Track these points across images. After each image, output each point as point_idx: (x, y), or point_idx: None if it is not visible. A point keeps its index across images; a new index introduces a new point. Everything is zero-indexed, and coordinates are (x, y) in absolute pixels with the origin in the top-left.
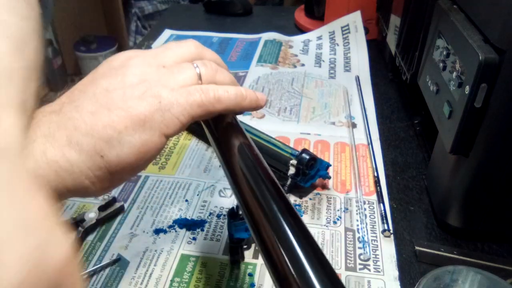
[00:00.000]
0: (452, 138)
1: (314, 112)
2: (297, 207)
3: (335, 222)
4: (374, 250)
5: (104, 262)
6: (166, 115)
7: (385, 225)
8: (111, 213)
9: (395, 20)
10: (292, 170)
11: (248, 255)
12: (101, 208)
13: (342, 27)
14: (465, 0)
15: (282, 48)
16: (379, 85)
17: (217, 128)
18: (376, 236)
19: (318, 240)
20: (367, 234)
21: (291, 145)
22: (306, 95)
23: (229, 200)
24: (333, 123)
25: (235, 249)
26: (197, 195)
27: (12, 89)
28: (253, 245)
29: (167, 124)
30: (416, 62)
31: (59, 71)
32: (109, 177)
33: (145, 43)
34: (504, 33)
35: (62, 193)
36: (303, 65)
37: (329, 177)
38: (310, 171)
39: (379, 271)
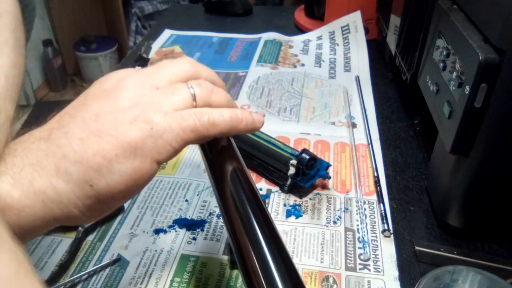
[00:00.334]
0: (452, 138)
1: (314, 112)
2: (297, 207)
3: (335, 222)
4: (374, 250)
5: (104, 262)
6: (158, 141)
7: (385, 225)
8: (111, 213)
9: (395, 20)
10: (292, 170)
11: None
12: None
13: (342, 27)
14: (465, 0)
15: (282, 48)
16: (379, 85)
17: (211, 150)
18: (376, 236)
19: (318, 240)
20: (367, 234)
21: (291, 145)
22: (306, 95)
23: None
24: (333, 123)
25: None
26: (197, 195)
27: None
28: None
29: (159, 150)
30: (416, 62)
31: (59, 71)
32: (98, 205)
33: (145, 43)
34: (504, 33)
35: (50, 222)
36: (303, 65)
37: (329, 177)
38: (310, 171)
39: (379, 271)
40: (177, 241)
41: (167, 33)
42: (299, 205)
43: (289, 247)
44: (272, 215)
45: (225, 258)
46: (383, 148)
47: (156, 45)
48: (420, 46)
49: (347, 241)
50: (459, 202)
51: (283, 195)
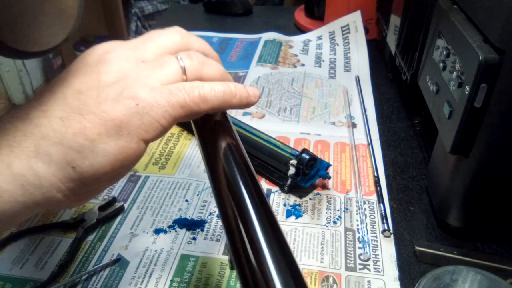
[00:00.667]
0: (452, 138)
1: (314, 112)
2: (297, 207)
3: (335, 222)
4: (374, 250)
5: (104, 262)
6: (145, 118)
7: (385, 225)
8: (111, 213)
9: (395, 20)
10: (292, 170)
11: None
12: (101, 208)
13: (342, 27)
14: (465, 0)
15: (282, 48)
16: (379, 85)
17: (204, 125)
18: (376, 236)
19: (318, 240)
20: (367, 234)
21: (291, 145)
22: (306, 95)
23: None
24: (333, 123)
25: None
26: (197, 195)
27: None
28: None
29: (146, 128)
30: (416, 62)
31: (59, 71)
32: (83, 189)
33: None
34: (504, 33)
35: (31, 207)
36: (303, 65)
37: (329, 177)
38: (310, 171)
39: (379, 271)
40: (177, 241)
41: None
42: (299, 205)
43: None
44: None
45: (225, 258)
46: (383, 148)
47: None
48: (420, 46)
49: (347, 241)
50: (459, 202)
51: (283, 195)
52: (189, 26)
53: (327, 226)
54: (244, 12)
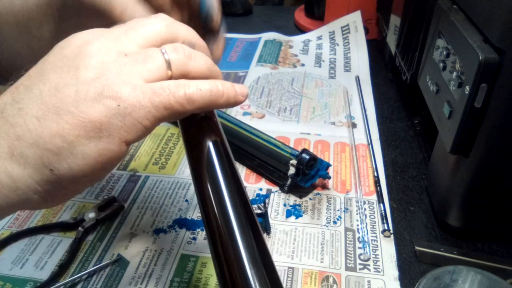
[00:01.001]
0: (452, 138)
1: (314, 112)
2: (297, 207)
3: (335, 222)
4: (374, 250)
5: (104, 262)
6: (127, 119)
7: (385, 225)
8: (111, 213)
9: (395, 20)
10: (292, 170)
11: None
12: (101, 208)
13: (342, 27)
14: (465, 0)
15: (282, 48)
16: (379, 85)
17: (190, 126)
18: (376, 236)
19: (318, 240)
20: (367, 234)
21: (291, 145)
22: (306, 95)
23: None
24: (333, 123)
25: None
26: None
27: None
28: None
29: (128, 130)
30: (416, 62)
31: None
32: (61, 190)
33: None
34: (504, 33)
35: (7, 210)
36: (303, 65)
37: (329, 177)
38: (310, 171)
39: (379, 271)
40: (177, 241)
41: None
42: (299, 205)
43: (289, 247)
44: (272, 215)
45: None
46: (383, 148)
47: None
48: (420, 46)
49: (347, 241)
50: (459, 202)
51: (283, 195)
52: None
53: (327, 226)
54: (244, 12)
